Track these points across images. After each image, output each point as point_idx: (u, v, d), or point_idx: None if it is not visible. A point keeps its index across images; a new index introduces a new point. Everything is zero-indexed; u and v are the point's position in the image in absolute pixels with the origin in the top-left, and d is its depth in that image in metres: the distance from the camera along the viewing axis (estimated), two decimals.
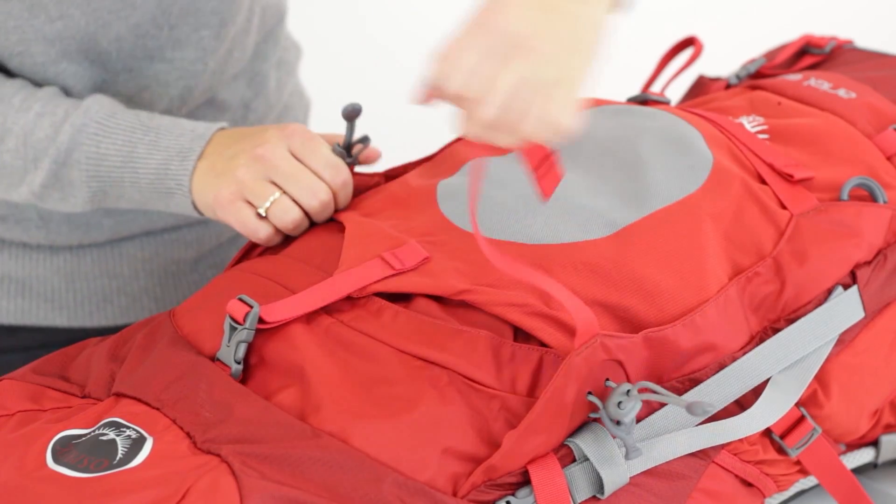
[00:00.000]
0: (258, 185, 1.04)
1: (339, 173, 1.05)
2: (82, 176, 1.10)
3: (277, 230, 1.05)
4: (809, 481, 1.05)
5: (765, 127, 1.10)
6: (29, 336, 1.25)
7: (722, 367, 0.95)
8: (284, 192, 1.04)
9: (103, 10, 1.11)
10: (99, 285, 1.26)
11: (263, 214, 1.04)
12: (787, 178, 1.04)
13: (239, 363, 0.94)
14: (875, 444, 1.10)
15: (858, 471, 1.12)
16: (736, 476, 0.98)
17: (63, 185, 1.11)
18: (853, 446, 1.09)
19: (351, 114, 1.06)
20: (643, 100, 1.16)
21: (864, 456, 1.10)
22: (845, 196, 1.03)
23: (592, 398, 0.89)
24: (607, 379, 0.89)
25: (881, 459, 1.11)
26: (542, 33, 0.85)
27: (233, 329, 0.94)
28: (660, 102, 1.16)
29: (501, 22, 0.85)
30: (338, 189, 1.05)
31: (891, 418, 1.09)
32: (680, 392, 0.94)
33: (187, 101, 1.21)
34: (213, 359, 0.95)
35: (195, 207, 1.09)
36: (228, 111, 1.27)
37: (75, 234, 1.26)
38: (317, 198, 1.04)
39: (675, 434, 0.93)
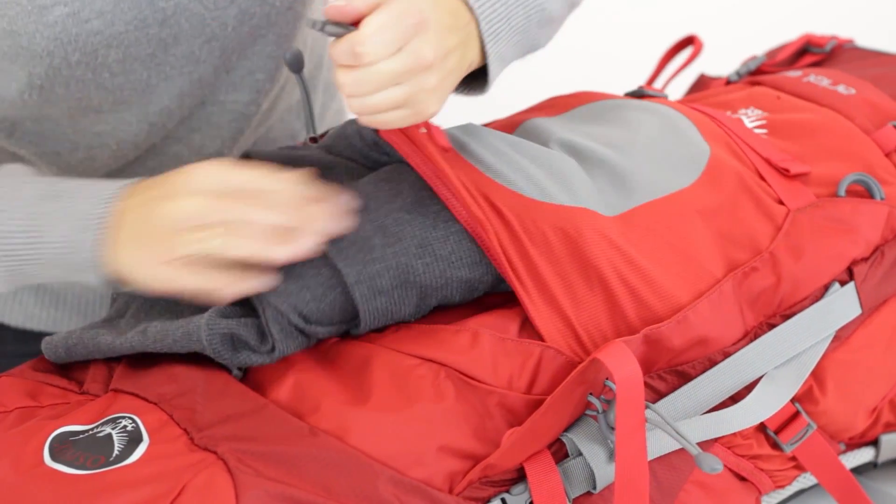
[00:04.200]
0: (176, 235, 0.92)
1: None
2: None
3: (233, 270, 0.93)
4: (809, 480, 1.05)
5: (763, 122, 1.10)
6: None
7: (711, 361, 0.95)
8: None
9: (167, 65, 1.08)
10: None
11: (189, 256, 0.92)
12: (784, 172, 1.03)
13: (240, 370, 0.94)
14: (875, 443, 1.10)
15: (859, 471, 1.12)
16: (729, 470, 0.98)
17: None
18: (853, 445, 1.09)
19: (294, 63, 1.00)
20: (640, 95, 1.16)
21: (864, 455, 1.09)
22: (842, 192, 1.03)
23: (593, 399, 0.89)
24: (607, 378, 0.89)
25: (881, 459, 1.10)
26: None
27: None
28: (657, 97, 1.15)
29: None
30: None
31: (890, 417, 1.08)
32: (670, 383, 0.94)
33: (239, 141, 1.19)
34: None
35: (114, 282, 0.97)
36: (276, 144, 1.26)
37: None
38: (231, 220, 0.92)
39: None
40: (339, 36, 0.90)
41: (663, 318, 0.93)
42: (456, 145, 1.00)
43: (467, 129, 1.02)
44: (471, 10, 0.94)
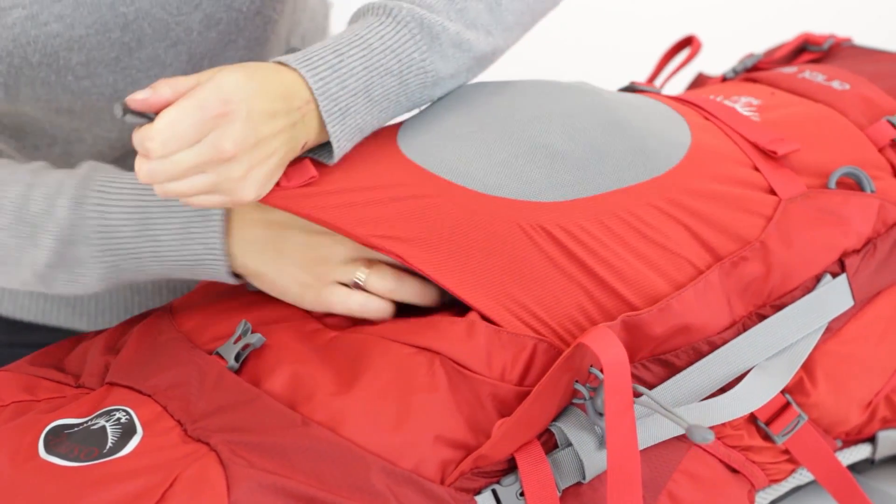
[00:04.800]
0: (346, 267, 0.97)
1: None
2: (93, 251, 1.00)
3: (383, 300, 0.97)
4: (804, 477, 1.05)
5: (756, 112, 1.09)
6: (49, 334, 1.25)
7: (696, 350, 0.95)
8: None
9: (133, 69, 1.09)
10: (121, 298, 1.26)
11: (362, 283, 0.97)
12: (772, 154, 1.03)
13: (237, 362, 0.94)
14: (872, 440, 1.09)
15: (857, 469, 1.11)
16: (720, 461, 0.97)
17: (70, 265, 1.01)
18: (849, 442, 1.08)
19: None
20: (632, 91, 1.16)
21: (861, 452, 1.09)
22: (832, 185, 1.03)
23: (580, 387, 0.89)
24: (591, 366, 0.89)
25: (878, 455, 1.10)
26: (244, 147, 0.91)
27: (245, 331, 0.95)
28: (648, 92, 1.15)
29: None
30: None
31: (887, 413, 1.08)
32: (655, 374, 0.94)
33: None
34: (211, 353, 0.96)
35: (236, 275, 1.00)
36: None
37: None
38: None
39: (657, 417, 0.92)
40: (138, 125, 0.90)
41: (639, 308, 0.93)
42: (409, 132, 0.99)
43: (424, 115, 1.01)
44: (312, 96, 0.93)
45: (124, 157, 1.16)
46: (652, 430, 0.93)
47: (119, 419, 0.90)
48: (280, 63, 0.94)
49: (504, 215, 0.94)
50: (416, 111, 1.02)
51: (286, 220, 0.97)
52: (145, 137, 0.89)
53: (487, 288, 0.93)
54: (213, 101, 0.89)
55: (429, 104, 1.02)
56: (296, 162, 0.95)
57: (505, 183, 0.95)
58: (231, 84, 0.90)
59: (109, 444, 0.88)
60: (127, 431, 0.89)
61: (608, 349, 0.86)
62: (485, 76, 1.06)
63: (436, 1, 0.98)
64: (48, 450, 0.88)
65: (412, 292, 0.96)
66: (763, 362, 0.96)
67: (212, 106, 0.88)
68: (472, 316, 0.93)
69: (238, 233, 0.98)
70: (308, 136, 0.94)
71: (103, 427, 0.90)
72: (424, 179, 0.96)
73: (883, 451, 1.10)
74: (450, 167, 0.96)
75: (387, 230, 0.93)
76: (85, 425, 0.90)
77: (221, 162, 0.89)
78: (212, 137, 0.89)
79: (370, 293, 0.96)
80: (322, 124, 0.94)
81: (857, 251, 1.01)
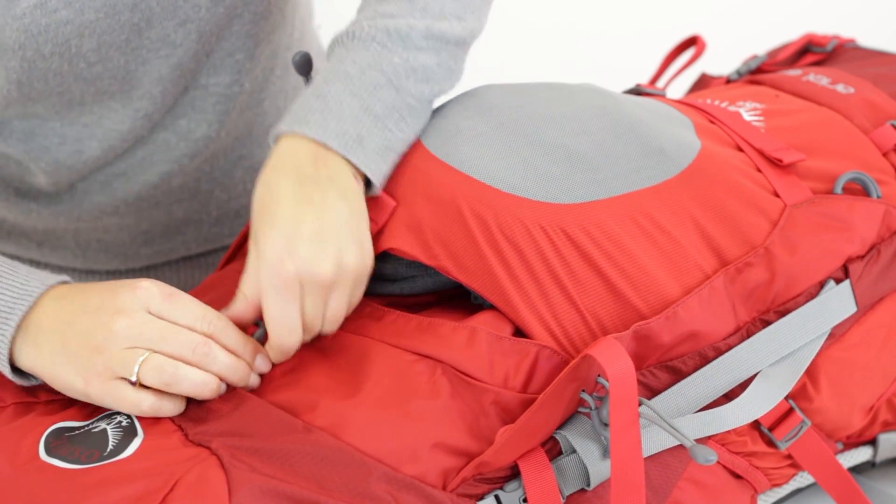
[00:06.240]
0: (122, 353, 0.89)
1: (215, 322, 0.92)
2: None
3: (167, 395, 0.90)
4: (806, 479, 1.05)
5: (761, 117, 1.09)
6: None
7: (702, 355, 0.95)
8: (157, 353, 0.89)
9: (143, 49, 1.09)
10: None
11: (135, 380, 0.89)
12: (777, 162, 1.03)
13: None
14: (873, 442, 1.09)
15: (858, 470, 1.12)
16: (724, 467, 0.98)
17: None
18: (851, 445, 1.08)
19: (301, 65, 1.01)
20: (638, 93, 1.15)
21: (862, 454, 1.09)
22: (839, 190, 1.03)
23: (586, 396, 0.89)
24: (599, 375, 0.88)
25: (879, 458, 1.10)
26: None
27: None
28: (655, 95, 1.15)
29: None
30: (218, 336, 0.92)
31: (888, 416, 1.08)
32: (662, 380, 0.94)
33: (225, 124, 1.19)
34: None
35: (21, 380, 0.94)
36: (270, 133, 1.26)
37: (113, 262, 1.27)
38: (197, 352, 0.90)
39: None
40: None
41: (648, 314, 0.93)
42: (437, 132, 0.99)
43: (438, 117, 1.01)
44: (322, 145, 0.93)
45: (133, 149, 1.16)
46: (657, 437, 0.92)
47: (120, 422, 0.90)
48: (277, 141, 0.95)
49: (528, 216, 0.94)
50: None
51: (82, 304, 0.91)
52: (277, 347, 0.92)
53: (512, 282, 0.93)
54: (278, 275, 0.90)
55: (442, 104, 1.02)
56: (370, 201, 0.96)
57: (523, 183, 0.95)
58: (267, 244, 0.91)
59: (110, 447, 0.88)
60: (128, 434, 0.89)
61: (615, 361, 0.86)
62: (489, 79, 1.06)
63: (396, 8, 0.99)
64: (49, 452, 0.88)
65: (190, 386, 0.90)
66: (766, 369, 0.96)
67: (278, 279, 0.90)
68: (474, 322, 0.93)
69: (42, 342, 0.92)
70: (348, 182, 0.94)
71: (104, 430, 0.90)
72: (462, 181, 0.96)
73: (884, 453, 1.10)
74: (471, 164, 0.96)
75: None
76: (86, 428, 0.90)
77: (324, 283, 0.91)
78: (308, 287, 0.91)
79: (161, 392, 0.90)
80: (346, 163, 0.94)
81: (861, 257, 1.01)
